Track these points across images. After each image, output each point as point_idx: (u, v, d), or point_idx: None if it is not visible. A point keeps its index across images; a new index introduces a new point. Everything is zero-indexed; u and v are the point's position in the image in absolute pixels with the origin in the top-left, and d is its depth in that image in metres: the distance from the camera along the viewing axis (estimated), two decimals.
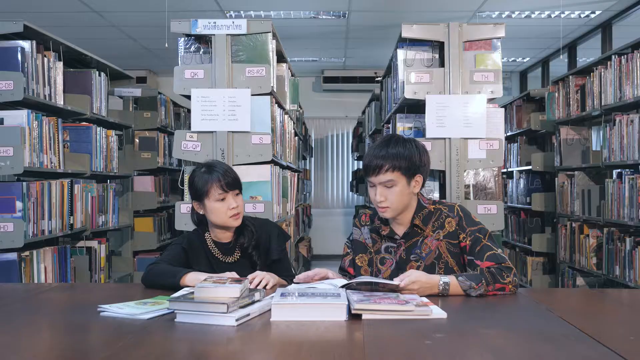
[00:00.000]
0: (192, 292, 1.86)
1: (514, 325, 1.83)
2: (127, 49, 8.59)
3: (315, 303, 1.81)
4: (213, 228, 2.65)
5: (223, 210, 2.55)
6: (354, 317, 1.82)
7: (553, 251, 6.04)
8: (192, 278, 2.30)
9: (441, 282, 2.16)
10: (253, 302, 1.88)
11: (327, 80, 10.25)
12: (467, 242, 2.36)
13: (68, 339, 1.74)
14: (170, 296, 2.01)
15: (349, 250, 2.54)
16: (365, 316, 1.82)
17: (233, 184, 2.59)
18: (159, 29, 7.03)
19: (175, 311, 1.80)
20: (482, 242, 2.33)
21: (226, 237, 2.65)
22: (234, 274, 2.23)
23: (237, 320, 1.74)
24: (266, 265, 2.63)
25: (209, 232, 2.67)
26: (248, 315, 1.81)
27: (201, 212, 2.62)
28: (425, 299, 2.02)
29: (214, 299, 1.78)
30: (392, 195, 2.35)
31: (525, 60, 9.50)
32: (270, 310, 1.84)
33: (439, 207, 2.45)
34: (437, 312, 1.86)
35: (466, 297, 2.17)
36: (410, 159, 2.34)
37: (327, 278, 2.35)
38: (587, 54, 8.37)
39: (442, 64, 3.77)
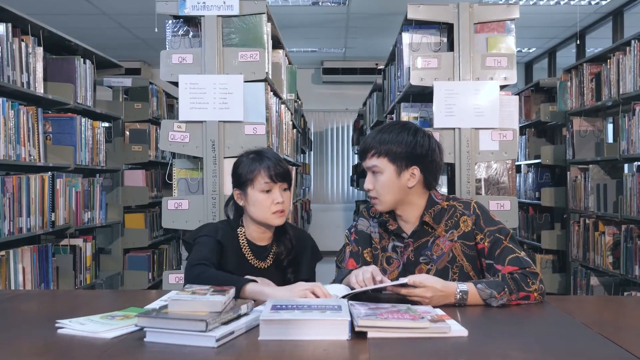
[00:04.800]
0: (166, 306, 1.57)
1: (547, 344, 1.53)
2: (120, 39, 8.29)
3: (312, 319, 1.52)
4: (250, 224, 2.29)
5: (267, 204, 2.21)
6: (358, 335, 1.53)
7: (563, 249, 5.75)
8: (253, 290, 1.92)
9: (458, 291, 1.88)
10: (239, 317, 1.60)
11: (327, 71, 9.96)
12: (486, 243, 2.07)
13: None
14: (144, 308, 1.74)
15: (349, 241, 2.25)
16: (371, 334, 1.53)
17: (282, 175, 2.24)
18: (151, 17, 6.73)
19: (145, 329, 1.51)
20: (502, 244, 2.05)
21: (263, 238, 2.29)
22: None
23: (217, 340, 1.45)
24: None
25: (242, 226, 2.31)
26: (232, 333, 1.51)
27: (241, 203, 2.27)
28: (439, 311, 1.74)
29: (190, 314, 1.49)
30: (378, 184, 2.11)
31: (531, 51, 9.21)
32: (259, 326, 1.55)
33: (453, 204, 2.16)
34: (456, 328, 1.57)
35: (485, 307, 1.89)
36: (400, 145, 2.08)
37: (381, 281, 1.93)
38: (596, 43, 8.07)
39: (451, 48, 3.48)
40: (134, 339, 1.52)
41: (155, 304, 1.84)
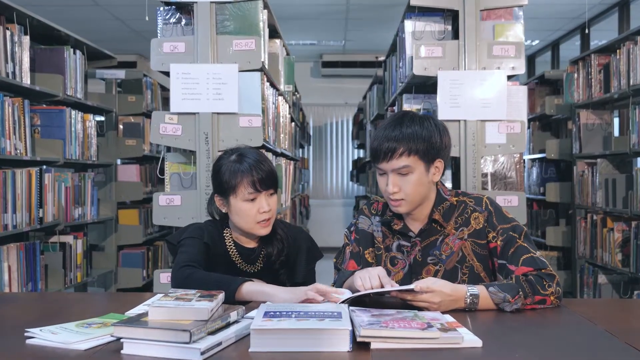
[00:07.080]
0: (146, 313, 1.41)
1: (570, 356, 1.38)
2: (115, 31, 8.12)
3: (309, 328, 1.37)
4: (235, 228, 2.13)
5: (251, 214, 2.03)
6: (359, 346, 1.37)
7: (569, 245, 5.60)
8: (252, 290, 1.79)
9: (469, 295, 1.72)
10: (227, 325, 1.44)
11: (326, 65, 9.80)
12: (498, 242, 1.92)
13: None
14: (125, 314, 1.58)
15: (349, 241, 2.08)
16: (374, 345, 1.38)
17: (267, 181, 2.04)
18: (144, 7, 6.56)
19: (122, 340, 1.35)
20: (516, 243, 1.89)
21: (250, 241, 2.13)
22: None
23: (202, 353, 1.29)
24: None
25: (229, 228, 2.15)
26: (219, 344, 1.36)
27: (224, 210, 2.10)
28: (449, 317, 1.58)
29: (172, 323, 1.34)
30: (408, 185, 1.90)
31: (534, 44, 9.03)
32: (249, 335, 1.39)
33: (463, 200, 2.00)
34: (469, 338, 1.42)
35: (498, 312, 1.73)
36: (429, 139, 1.90)
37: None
38: (600, 36, 7.90)
39: (455, 36, 3.32)
40: (110, 350, 1.37)
41: (138, 310, 1.68)
